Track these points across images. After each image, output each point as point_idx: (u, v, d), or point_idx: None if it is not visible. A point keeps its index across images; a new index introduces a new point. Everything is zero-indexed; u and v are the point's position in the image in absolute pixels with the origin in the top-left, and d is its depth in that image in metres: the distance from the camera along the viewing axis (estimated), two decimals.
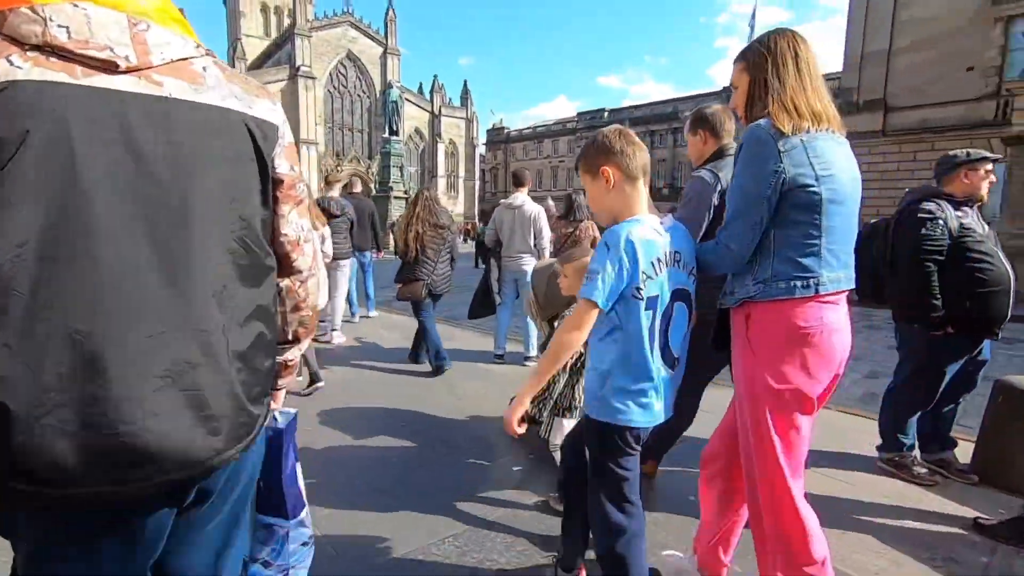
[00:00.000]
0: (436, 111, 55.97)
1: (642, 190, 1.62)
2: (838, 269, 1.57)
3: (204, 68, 0.89)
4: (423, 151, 56.55)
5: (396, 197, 26.75)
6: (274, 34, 63.08)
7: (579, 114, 62.42)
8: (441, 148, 56.63)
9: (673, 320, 1.60)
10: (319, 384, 4.23)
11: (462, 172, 60.20)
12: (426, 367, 4.90)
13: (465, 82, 59.69)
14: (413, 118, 52.40)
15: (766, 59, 1.60)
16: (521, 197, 5.06)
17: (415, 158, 53.71)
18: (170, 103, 0.82)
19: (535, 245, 4.92)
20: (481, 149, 66.93)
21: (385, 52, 52.09)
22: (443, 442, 3.34)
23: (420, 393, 4.29)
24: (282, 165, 1.02)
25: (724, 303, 1.72)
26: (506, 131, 72.42)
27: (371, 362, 5.24)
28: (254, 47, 60.27)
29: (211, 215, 0.84)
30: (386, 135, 27.52)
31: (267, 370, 0.96)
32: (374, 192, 29.08)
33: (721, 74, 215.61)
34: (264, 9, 66.18)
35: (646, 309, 1.52)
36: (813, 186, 1.50)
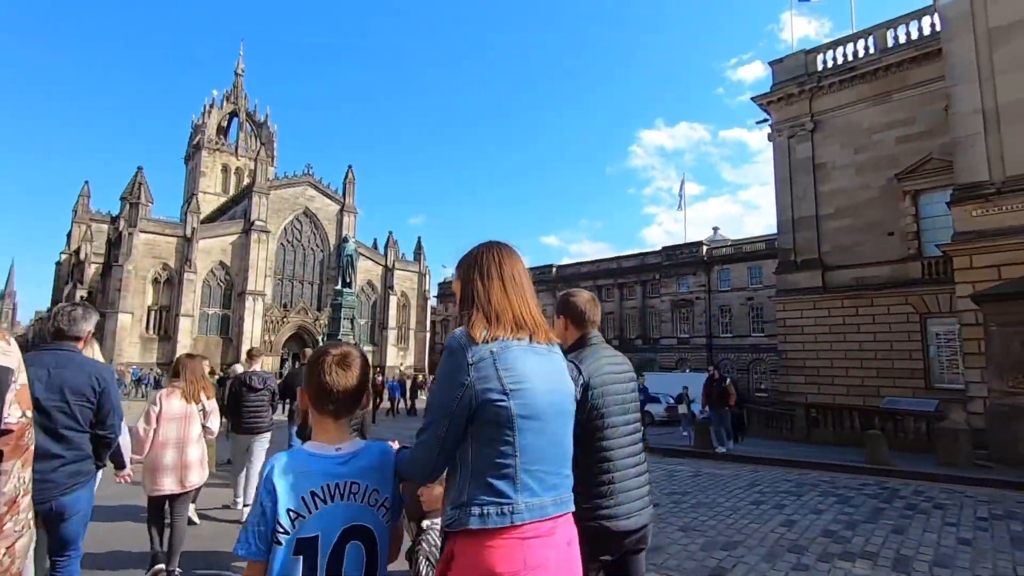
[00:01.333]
0: (390, 265, 56.94)
1: (333, 417, 1.56)
2: (542, 494, 1.45)
3: None
4: (375, 303, 56.32)
5: None
6: (232, 192, 65.06)
7: (528, 269, 64.83)
8: (393, 300, 56.66)
9: (345, 566, 1.42)
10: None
11: (413, 324, 59.74)
12: None
13: (419, 238, 61.91)
14: (366, 271, 52.86)
15: (473, 269, 1.61)
16: None
17: (366, 310, 53.21)
18: None
19: None
20: (433, 302, 67.55)
21: (342, 210, 53.96)
22: None
23: None
24: (13, 413, 0.94)
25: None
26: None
27: None
28: (210, 203, 61.54)
29: None
30: (338, 287, 27.04)
31: None
32: (322, 343, 27.78)
33: (651, 236, 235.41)
34: (225, 169, 69.09)
35: (295, 554, 1.37)
36: (502, 400, 1.42)
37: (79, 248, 60.86)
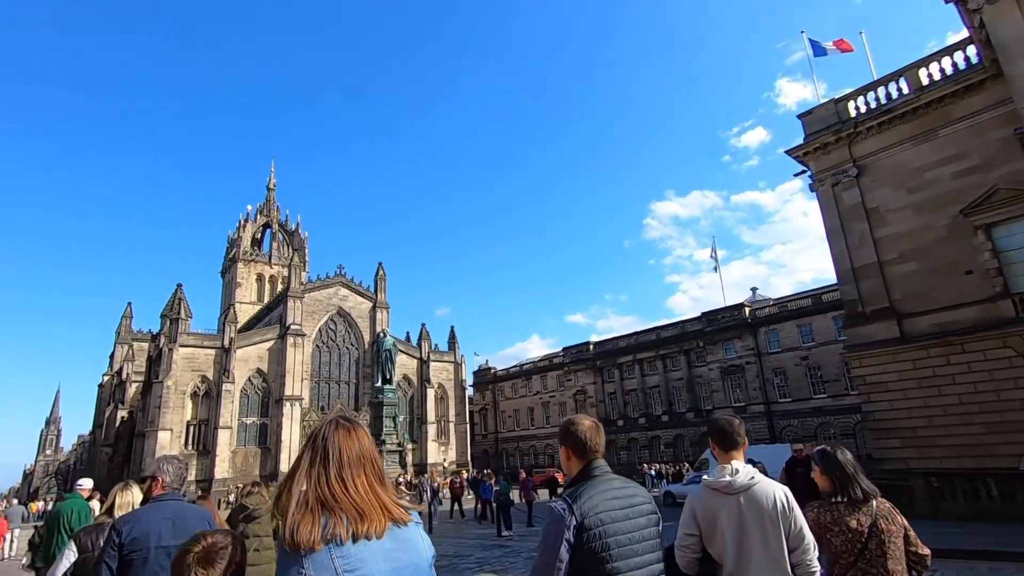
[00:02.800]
0: (424, 357, 56.25)
1: None
2: None
3: None
4: (411, 398, 55.09)
5: (389, 451, 24.13)
6: (267, 300, 66.49)
7: (564, 349, 63.48)
8: (431, 393, 55.41)
9: None
10: None
11: (452, 416, 57.99)
12: None
13: (452, 328, 61.55)
14: (401, 365, 52.12)
15: (305, 450, 1.61)
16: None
17: (403, 405, 51.93)
18: None
19: None
20: (469, 391, 65.98)
21: (374, 307, 54.24)
22: None
23: None
24: None
25: None
26: (493, 371, 72.62)
27: None
28: (247, 312, 62.73)
29: None
30: (378, 383, 26.19)
31: None
32: None
33: (678, 304, 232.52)
34: (260, 279, 71.12)
35: None
36: None
37: (121, 368, 61.90)
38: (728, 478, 2.63)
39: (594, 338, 61.93)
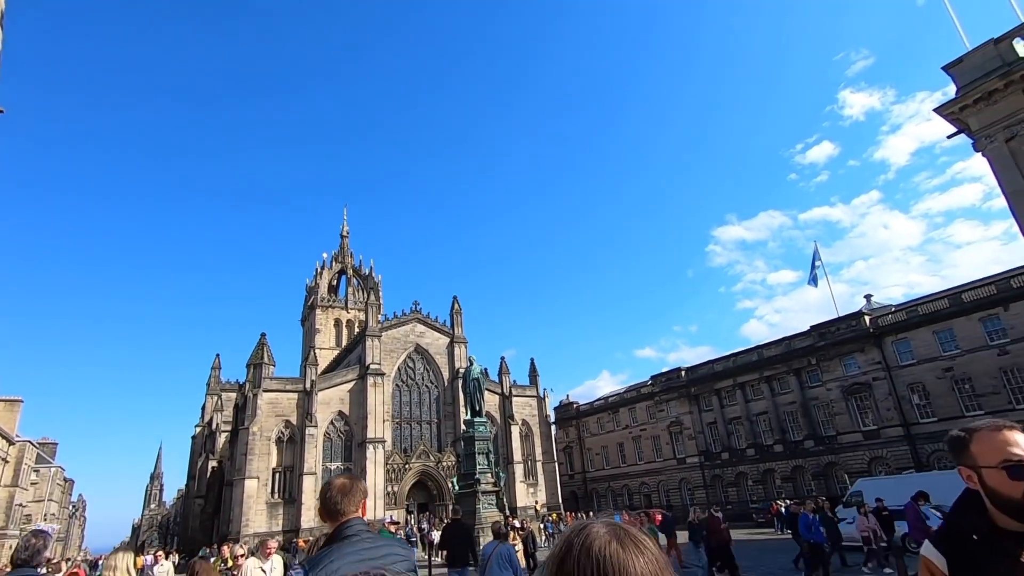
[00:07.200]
0: (507, 392, 53.56)
1: None
2: None
3: None
4: (495, 436, 52.22)
5: (485, 492, 21.31)
6: (345, 342, 66.63)
7: (653, 378, 58.89)
8: (515, 431, 52.41)
9: None
10: None
11: (539, 454, 54.52)
12: None
13: (532, 360, 58.65)
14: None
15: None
16: None
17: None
18: None
19: None
20: (552, 428, 62.34)
21: (452, 342, 52.54)
22: None
23: None
24: None
25: None
26: (575, 406, 68.74)
27: None
28: (326, 358, 62.84)
29: None
30: (466, 416, 23.73)
31: None
32: (455, 489, 23.76)
33: (753, 331, 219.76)
34: (337, 324, 71.80)
35: None
36: None
37: (211, 419, 63.19)
38: None
39: (685, 363, 57.10)
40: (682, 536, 18.85)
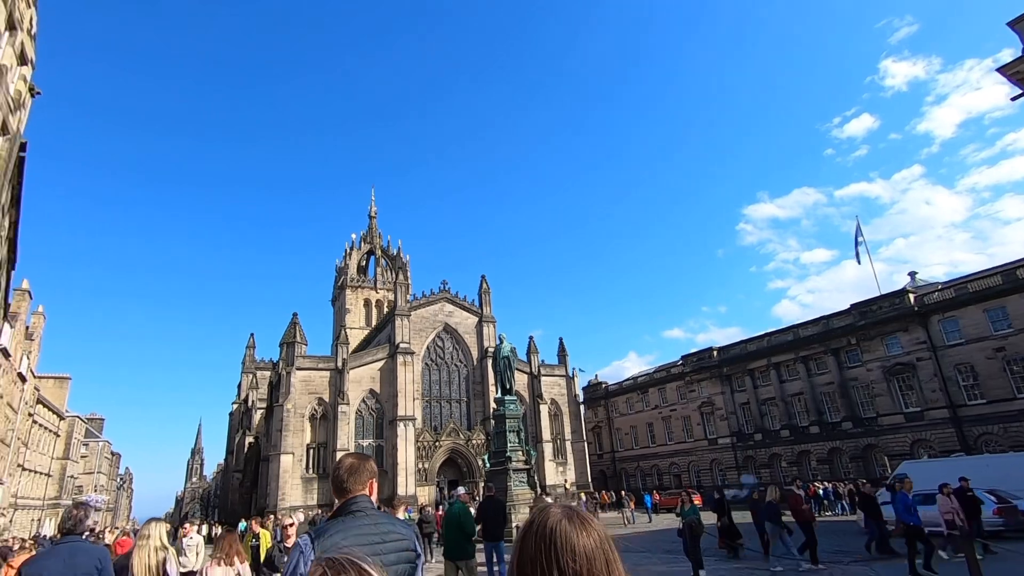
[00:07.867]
0: (535, 371, 53.45)
1: None
2: None
3: None
4: (524, 415, 52.24)
5: (516, 470, 21.23)
6: (374, 322, 67.35)
7: (683, 357, 58.01)
8: (544, 410, 52.38)
9: None
10: None
11: (568, 434, 54.46)
12: None
13: (561, 339, 58.20)
14: None
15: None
16: None
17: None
18: None
19: None
20: (581, 408, 62.15)
21: (480, 321, 52.54)
22: None
23: None
24: None
25: None
26: (604, 386, 68.34)
27: None
28: (356, 337, 63.67)
29: None
30: (498, 395, 23.61)
31: None
32: (487, 466, 23.75)
33: (786, 311, 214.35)
34: (367, 304, 72.52)
35: None
36: None
37: (247, 396, 64.89)
38: None
39: (715, 343, 56.02)
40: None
